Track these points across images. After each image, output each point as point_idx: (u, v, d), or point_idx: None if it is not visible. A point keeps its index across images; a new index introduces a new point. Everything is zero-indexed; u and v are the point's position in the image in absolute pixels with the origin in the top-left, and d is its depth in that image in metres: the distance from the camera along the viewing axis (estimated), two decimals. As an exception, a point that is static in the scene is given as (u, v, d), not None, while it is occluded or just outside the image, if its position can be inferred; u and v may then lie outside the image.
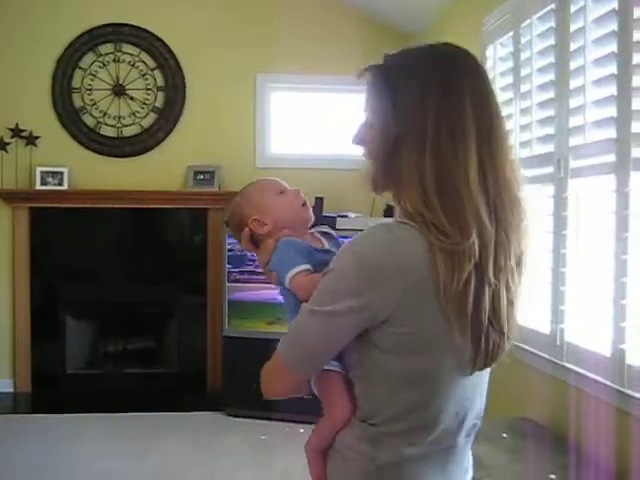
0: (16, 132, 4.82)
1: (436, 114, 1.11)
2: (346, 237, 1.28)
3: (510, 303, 1.16)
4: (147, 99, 5.02)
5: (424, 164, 1.11)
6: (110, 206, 4.90)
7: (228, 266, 4.48)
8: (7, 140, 4.81)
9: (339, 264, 1.16)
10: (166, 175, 4.94)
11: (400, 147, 1.14)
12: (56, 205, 4.87)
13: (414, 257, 1.10)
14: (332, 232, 1.43)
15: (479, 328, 1.12)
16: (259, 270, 1.43)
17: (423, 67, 1.15)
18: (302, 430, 3.70)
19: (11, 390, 4.93)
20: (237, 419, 4.40)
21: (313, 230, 1.42)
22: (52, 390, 4.91)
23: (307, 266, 1.28)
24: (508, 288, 1.15)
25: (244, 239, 1.40)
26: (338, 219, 4.45)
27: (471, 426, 1.25)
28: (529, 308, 2.78)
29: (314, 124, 5.13)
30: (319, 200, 4.59)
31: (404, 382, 1.16)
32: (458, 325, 1.11)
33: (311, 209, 1.42)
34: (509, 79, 3.24)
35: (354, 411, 1.22)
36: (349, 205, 4.74)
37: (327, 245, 1.38)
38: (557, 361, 2.71)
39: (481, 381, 1.25)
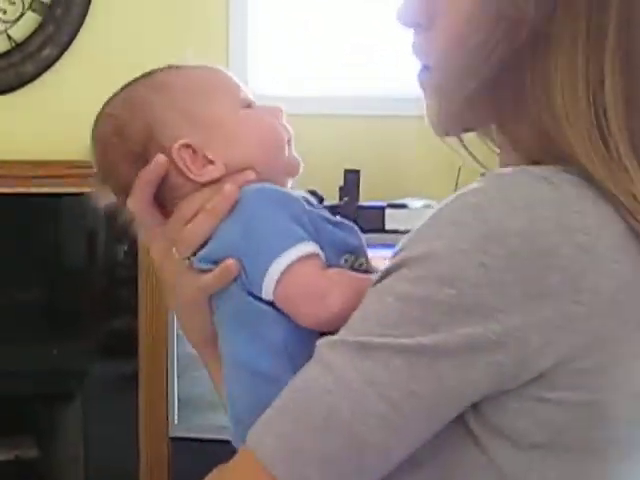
0: None
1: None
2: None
3: None
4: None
5: (599, 75, 0.63)
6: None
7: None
8: None
9: (444, 247, 0.58)
10: (54, 132, 3.06)
11: (546, 43, 0.64)
12: None
13: (612, 235, 0.60)
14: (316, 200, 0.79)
15: None
16: None
17: None
18: None
19: None
20: None
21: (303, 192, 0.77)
22: None
23: (314, 247, 0.68)
24: None
25: (147, 184, 0.72)
26: (389, 211, 2.83)
27: None
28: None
29: (337, 39, 3.08)
30: (352, 175, 2.79)
31: None
32: None
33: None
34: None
35: None
36: (409, 186, 2.91)
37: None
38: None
39: None
